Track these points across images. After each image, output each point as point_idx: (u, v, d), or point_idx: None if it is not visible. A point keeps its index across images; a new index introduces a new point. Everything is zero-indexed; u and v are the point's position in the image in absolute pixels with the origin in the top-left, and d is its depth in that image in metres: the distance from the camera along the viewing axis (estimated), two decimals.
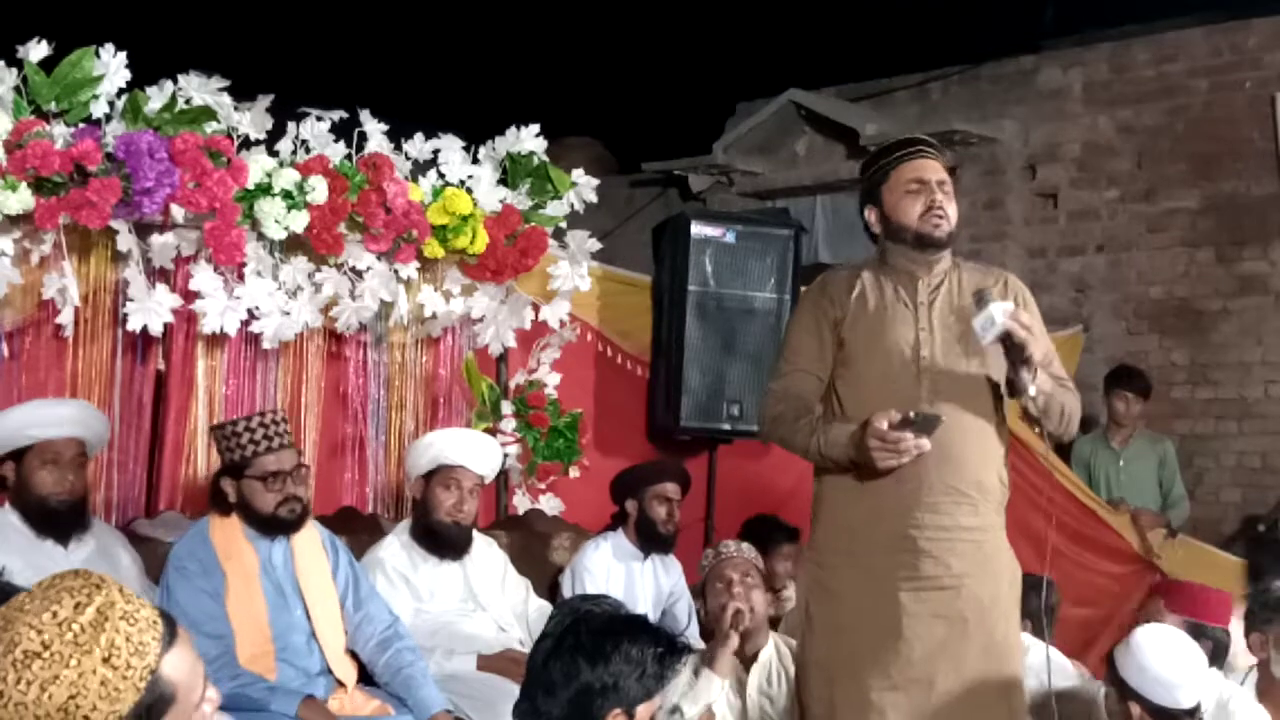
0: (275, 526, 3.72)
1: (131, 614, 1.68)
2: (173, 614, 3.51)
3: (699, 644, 4.68)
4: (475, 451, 4.32)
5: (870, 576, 3.11)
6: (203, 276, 4.20)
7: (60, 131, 3.91)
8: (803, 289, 5.32)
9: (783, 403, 3.20)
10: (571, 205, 4.97)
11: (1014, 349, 2.97)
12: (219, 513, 3.74)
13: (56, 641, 1.63)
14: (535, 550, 4.84)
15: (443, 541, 4.20)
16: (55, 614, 1.64)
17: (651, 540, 4.70)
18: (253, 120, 4.24)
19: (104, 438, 3.95)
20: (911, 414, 2.95)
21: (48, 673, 1.61)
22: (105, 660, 1.63)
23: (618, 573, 4.60)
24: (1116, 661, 3.34)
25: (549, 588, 4.73)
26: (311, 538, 3.84)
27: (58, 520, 3.64)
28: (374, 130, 4.54)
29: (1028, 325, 2.97)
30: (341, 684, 3.74)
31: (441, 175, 4.73)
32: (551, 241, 4.95)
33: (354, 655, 3.84)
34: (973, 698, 3.06)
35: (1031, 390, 2.99)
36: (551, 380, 5.12)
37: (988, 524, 3.14)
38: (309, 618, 3.74)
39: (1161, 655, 3.29)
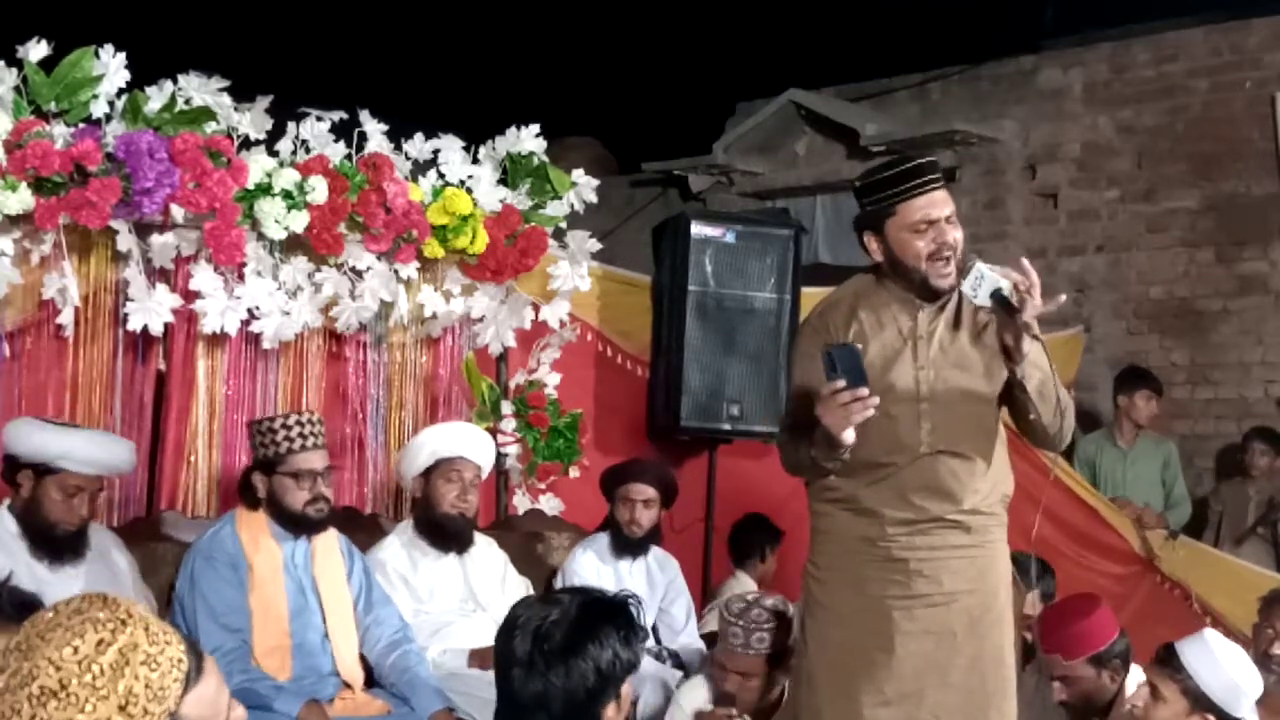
0: (302, 525, 3.77)
1: (154, 657, 1.64)
2: (194, 602, 3.56)
3: (698, 643, 4.70)
4: (472, 442, 4.37)
5: (863, 594, 3.12)
6: (203, 276, 4.20)
7: (60, 131, 3.91)
8: (802, 290, 5.39)
9: (786, 434, 3.18)
10: (571, 205, 4.96)
11: (1008, 305, 2.87)
12: (247, 506, 3.77)
13: (74, 682, 1.59)
14: (535, 550, 4.85)
15: (448, 534, 4.22)
16: (76, 649, 1.61)
17: (621, 543, 4.65)
18: (253, 120, 4.24)
19: (131, 468, 3.99)
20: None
21: (62, 715, 1.59)
22: (121, 708, 1.60)
23: (607, 574, 4.58)
24: (1193, 671, 3.19)
25: (548, 588, 4.72)
26: (330, 541, 3.90)
27: (58, 546, 3.63)
28: (374, 130, 4.54)
29: (1026, 271, 2.86)
30: (349, 685, 3.76)
31: (441, 175, 4.73)
32: (551, 241, 4.95)
33: (362, 658, 3.87)
34: (960, 708, 3.09)
35: (1025, 347, 2.92)
36: (551, 380, 5.12)
37: (983, 540, 3.13)
38: (324, 618, 3.78)
39: (1237, 663, 3.20)
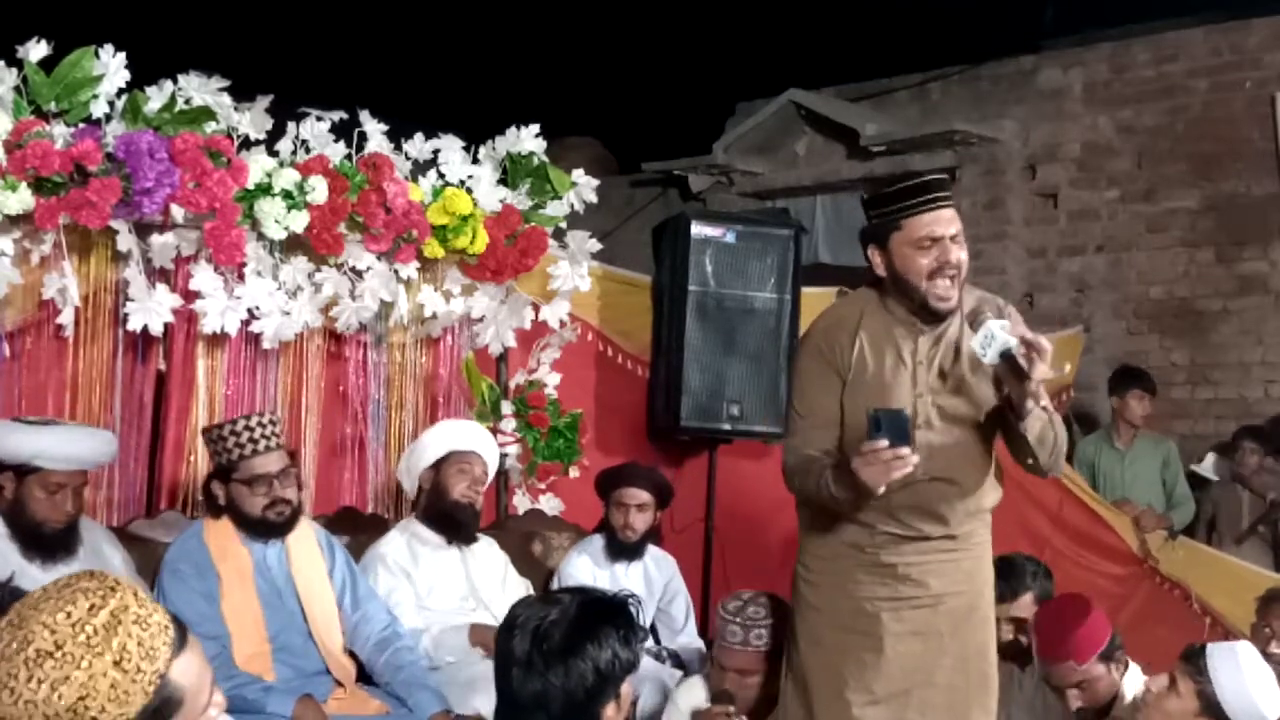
0: (263, 529, 3.73)
1: (144, 619, 1.70)
2: None
3: (697, 643, 4.70)
4: (483, 440, 4.44)
5: (853, 596, 3.15)
6: (203, 276, 4.20)
7: (60, 131, 3.91)
8: (803, 290, 5.39)
9: (794, 456, 3.18)
10: (571, 205, 4.97)
11: (1016, 366, 2.85)
12: (211, 515, 3.76)
13: (69, 642, 1.64)
14: (535, 550, 4.85)
15: (456, 522, 4.24)
16: (69, 614, 1.66)
17: (616, 547, 4.65)
18: (253, 120, 4.24)
19: (112, 457, 3.98)
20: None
21: (59, 673, 1.63)
22: (116, 663, 1.65)
23: (603, 578, 4.58)
24: (1214, 678, 3.16)
25: (547, 588, 4.73)
26: (307, 538, 3.86)
27: (48, 544, 3.62)
28: (374, 130, 4.54)
29: (1033, 341, 2.84)
30: (340, 684, 3.75)
31: (441, 175, 4.73)
32: (551, 241, 4.95)
33: (352, 655, 3.86)
34: (945, 706, 3.13)
35: (1029, 405, 2.91)
36: (551, 380, 5.12)
37: (968, 544, 3.17)
38: (305, 617, 3.76)
39: (1264, 685, 3.16)
